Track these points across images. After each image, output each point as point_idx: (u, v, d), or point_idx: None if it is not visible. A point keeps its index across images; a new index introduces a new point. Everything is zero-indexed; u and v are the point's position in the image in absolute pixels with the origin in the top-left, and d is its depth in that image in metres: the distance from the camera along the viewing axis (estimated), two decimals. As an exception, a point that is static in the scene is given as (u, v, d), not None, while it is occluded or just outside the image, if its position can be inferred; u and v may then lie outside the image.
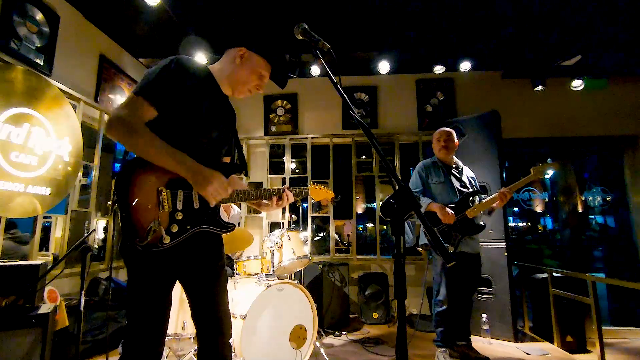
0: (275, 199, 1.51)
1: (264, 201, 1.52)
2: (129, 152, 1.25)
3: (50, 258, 2.95)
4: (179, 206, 1.26)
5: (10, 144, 2.48)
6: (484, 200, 2.76)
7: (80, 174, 3.19)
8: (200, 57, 3.68)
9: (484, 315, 3.35)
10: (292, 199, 1.55)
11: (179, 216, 1.25)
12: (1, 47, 2.57)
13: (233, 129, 1.54)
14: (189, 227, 1.27)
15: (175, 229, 1.24)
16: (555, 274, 3.41)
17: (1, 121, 2.43)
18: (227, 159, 1.59)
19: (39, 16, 2.88)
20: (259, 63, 1.44)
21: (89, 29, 3.52)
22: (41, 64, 2.87)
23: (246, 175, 1.44)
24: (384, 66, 4.23)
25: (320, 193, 1.72)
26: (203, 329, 1.38)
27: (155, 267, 1.26)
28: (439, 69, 4.35)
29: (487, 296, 3.50)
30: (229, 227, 1.38)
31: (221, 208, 1.43)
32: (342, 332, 3.54)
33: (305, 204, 4.76)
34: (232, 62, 1.44)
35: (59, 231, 3.09)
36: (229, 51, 1.47)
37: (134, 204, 1.18)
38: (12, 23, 2.66)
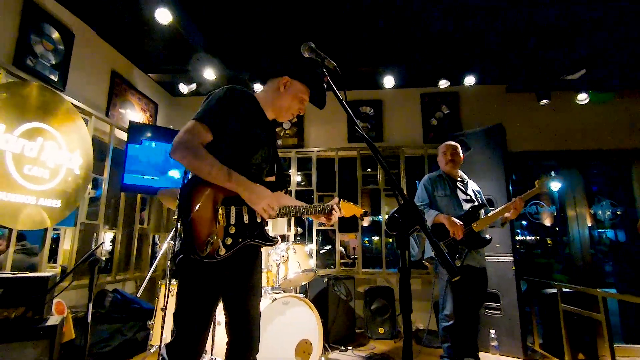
0: (328, 214, 1.64)
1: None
2: (187, 171, 1.39)
3: (58, 270, 2.98)
4: (232, 221, 1.39)
5: (24, 157, 2.55)
6: (490, 214, 2.75)
7: (89, 186, 3.25)
8: (209, 74, 3.77)
9: (492, 331, 3.29)
10: (339, 214, 1.69)
11: (232, 230, 1.38)
12: (18, 64, 2.66)
13: (275, 150, 1.67)
14: (240, 240, 1.39)
15: (229, 241, 1.36)
16: (564, 289, 3.34)
17: (16, 135, 2.50)
18: (271, 178, 1.69)
19: (55, 35, 2.99)
20: (301, 89, 1.59)
21: (102, 46, 3.64)
22: (55, 80, 2.97)
23: (286, 192, 1.57)
24: (389, 80, 4.27)
25: (350, 209, 1.78)
26: (236, 342, 1.45)
27: (208, 277, 1.36)
28: (443, 83, 4.38)
29: (495, 311, 3.44)
30: (274, 240, 1.49)
31: (269, 223, 1.51)
32: (348, 347, 3.49)
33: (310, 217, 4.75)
34: (277, 91, 1.58)
35: (68, 243, 3.12)
36: (272, 80, 1.62)
37: (195, 218, 1.32)
38: (29, 41, 2.76)
